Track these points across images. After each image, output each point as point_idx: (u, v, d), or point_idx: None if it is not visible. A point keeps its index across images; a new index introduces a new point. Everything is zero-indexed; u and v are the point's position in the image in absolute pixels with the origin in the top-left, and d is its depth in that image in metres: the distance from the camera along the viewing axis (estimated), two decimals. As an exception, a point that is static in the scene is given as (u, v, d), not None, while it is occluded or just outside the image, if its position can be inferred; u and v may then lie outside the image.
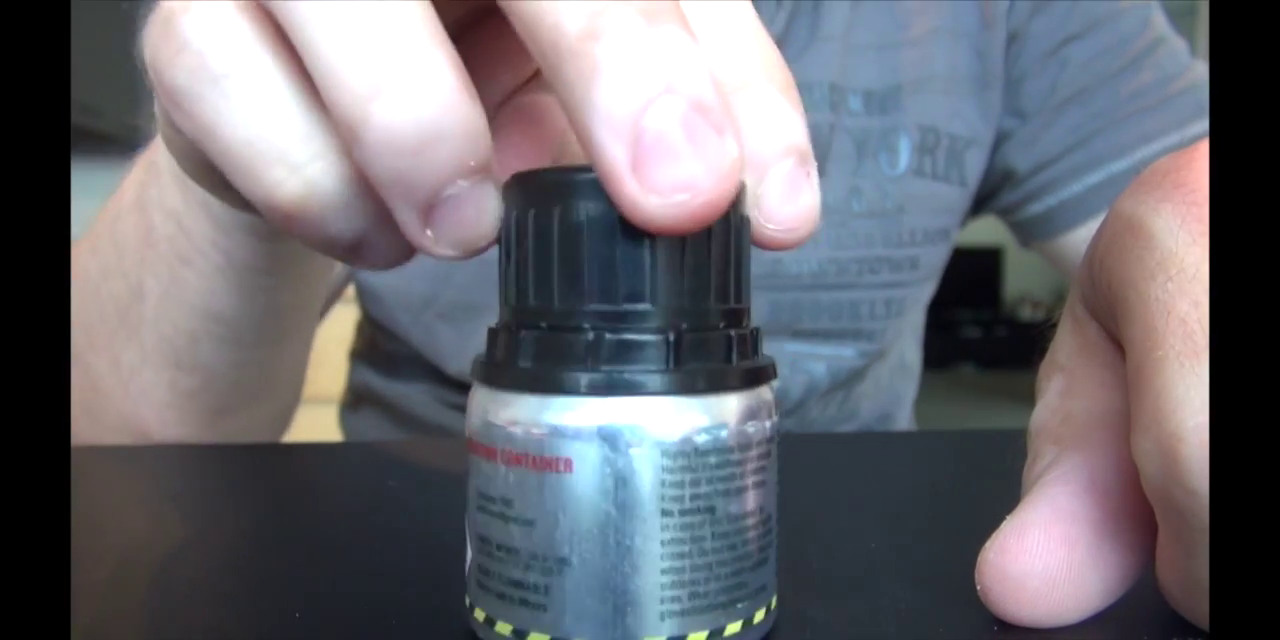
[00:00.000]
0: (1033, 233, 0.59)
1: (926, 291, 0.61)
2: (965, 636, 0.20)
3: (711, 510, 0.17)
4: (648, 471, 0.17)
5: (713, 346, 0.18)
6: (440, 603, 0.21)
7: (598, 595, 0.17)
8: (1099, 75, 0.55)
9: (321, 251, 0.19)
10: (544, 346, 0.17)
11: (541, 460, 0.17)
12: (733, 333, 0.18)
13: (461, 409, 0.56)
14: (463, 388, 0.56)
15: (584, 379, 0.17)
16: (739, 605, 0.18)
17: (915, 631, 0.20)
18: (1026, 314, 4.83)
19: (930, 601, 0.22)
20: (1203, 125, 0.54)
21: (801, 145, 0.18)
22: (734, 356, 0.18)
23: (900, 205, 0.56)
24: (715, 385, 0.18)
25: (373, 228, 0.19)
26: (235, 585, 0.24)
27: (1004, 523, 0.20)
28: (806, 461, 0.34)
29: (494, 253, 0.19)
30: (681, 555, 0.17)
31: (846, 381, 0.59)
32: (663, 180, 0.16)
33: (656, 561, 0.17)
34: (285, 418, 0.50)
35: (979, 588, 0.20)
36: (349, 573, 0.24)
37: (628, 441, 0.17)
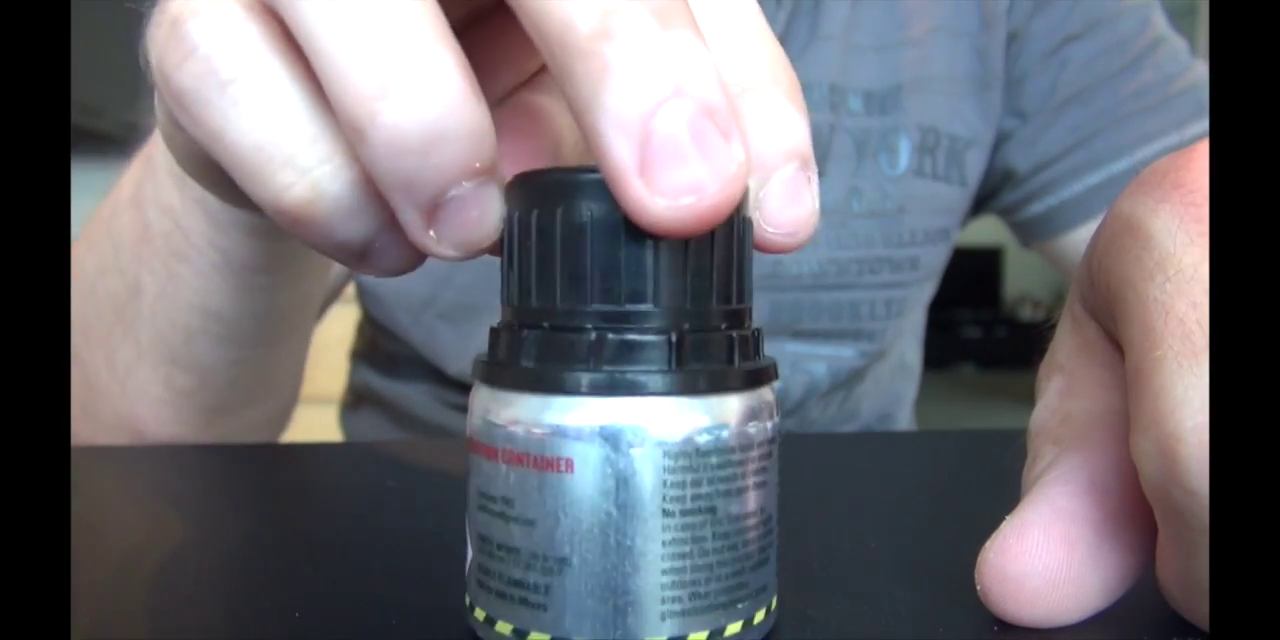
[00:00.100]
0: (1033, 233, 0.59)
1: (927, 292, 0.61)
2: (965, 636, 0.20)
3: (712, 511, 0.17)
4: (649, 472, 0.17)
5: (714, 347, 0.18)
6: (440, 602, 0.21)
7: (598, 595, 0.17)
8: (1099, 75, 0.55)
9: (330, 256, 0.19)
10: (546, 346, 0.17)
11: (542, 460, 0.17)
12: (734, 333, 0.18)
13: (462, 409, 0.56)
14: (463, 388, 0.56)
15: (586, 379, 0.17)
16: (739, 605, 0.18)
17: (915, 631, 0.20)
18: (1026, 314, 4.83)
19: (930, 601, 0.22)
20: (1202, 125, 0.54)
21: (804, 150, 0.18)
22: (736, 357, 0.18)
23: (900, 205, 0.56)
24: (717, 386, 0.18)
25: (380, 232, 0.19)
26: (235, 585, 0.24)
27: (1004, 523, 0.20)
28: (806, 461, 0.34)
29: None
30: (682, 555, 0.17)
31: (847, 382, 0.59)
32: (669, 183, 0.16)
33: (657, 562, 0.17)
34: (283, 418, 0.50)
35: (979, 588, 0.20)
36: (349, 573, 0.24)
37: (629, 442, 0.17)
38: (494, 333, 0.19)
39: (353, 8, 0.16)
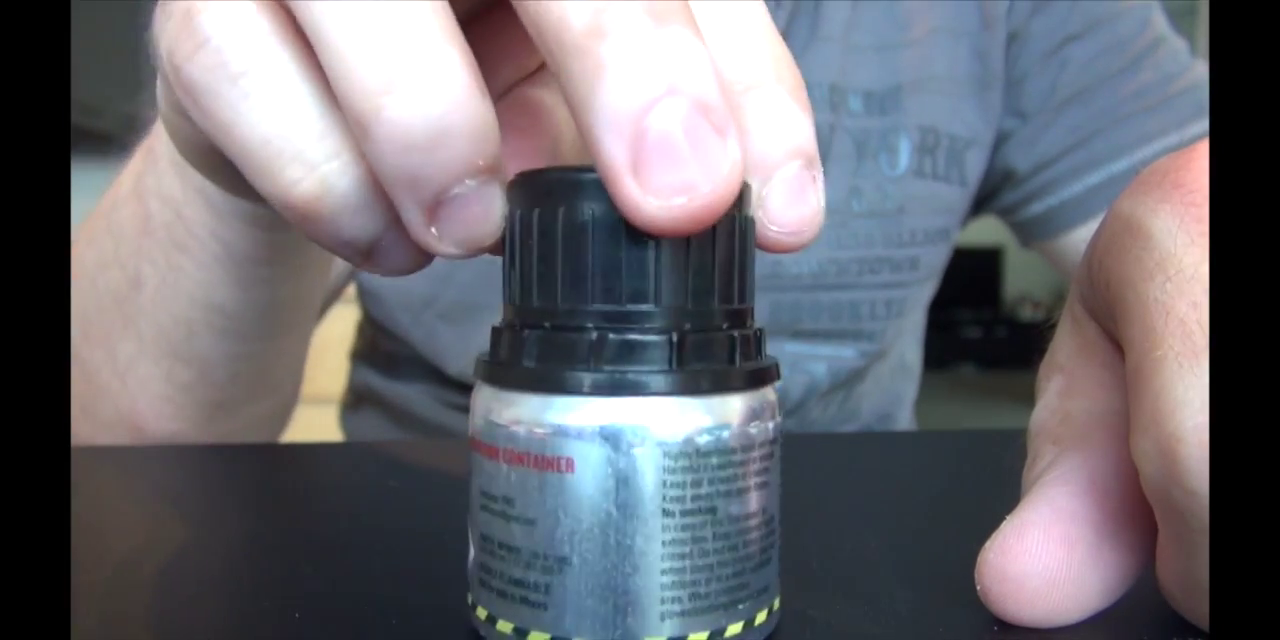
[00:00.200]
0: (1033, 233, 0.59)
1: (927, 292, 0.61)
2: (965, 636, 0.20)
3: (713, 511, 0.17)
4: (649, 472, 0.17)
5: (716, 347, 0.18)
6: (440, 602, 0.21)
7: (598, 595, 0.17)
8: (1099, 75, 0.56)
9: (336, 253, 0.19)
10: (547, 346, 0.17)
11: (543, 459, 0.17)
12: (736, 333, 0.18)
13: (462, 409, 0.56)
14: (463, 388, 0.56)
15: (587, 379, 0.17)
16: (740, 606, 0.18)
17: (915, 631, 0.20)
18: (1026, 314, 4.83)
19: (930, 601, 0.22)
20: (1202, 125, 0.54)
21: (808, 148, 0.18)
22: (737, 357, 0.18)
23: (900, 205, 0.56)
24: (718, 386, 0.18)
25: (387, 231, 0.19)
26: (235, 585, 0.24)
27: (1004, 523, 0.20)
28: (806, 461, 0.34)
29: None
30: (682, 556, 0.17)
31: (847, 382, 0.59)
32: (662, 182, 0.16)
33: (657, 562, 0.17)
34: (284, 416, 0.50)
35: (979, 588, 0.20)
36: (349, 573, 0.24)
37: (630, 441, 0.17)
38: (495, 332, 0.19)
39: (361, 3, 0.16)
